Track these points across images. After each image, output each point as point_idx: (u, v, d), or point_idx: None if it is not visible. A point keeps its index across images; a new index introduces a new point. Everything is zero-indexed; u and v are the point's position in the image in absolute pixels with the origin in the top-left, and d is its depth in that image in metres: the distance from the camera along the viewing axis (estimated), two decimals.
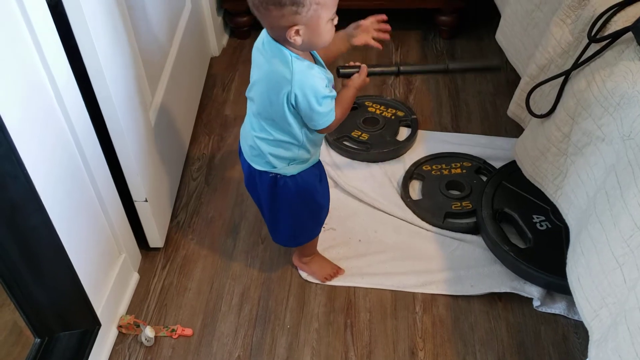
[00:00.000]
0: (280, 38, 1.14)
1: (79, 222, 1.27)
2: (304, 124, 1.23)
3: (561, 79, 1.27)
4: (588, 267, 1.08)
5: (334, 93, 1.22)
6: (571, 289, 1.13)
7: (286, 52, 1.15)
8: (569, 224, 1.23)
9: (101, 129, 1.35)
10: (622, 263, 0.99)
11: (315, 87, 1.16)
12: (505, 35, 1.70)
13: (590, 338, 1.06)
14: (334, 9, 1.13)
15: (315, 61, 1.24)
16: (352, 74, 1.29)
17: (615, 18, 1.20)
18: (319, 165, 1.39)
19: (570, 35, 1.31)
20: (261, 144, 1.26)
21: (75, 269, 1.20)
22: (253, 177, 1.35)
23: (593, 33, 1.22)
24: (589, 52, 1.22)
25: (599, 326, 1.04)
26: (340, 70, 1.31)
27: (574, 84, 1.22)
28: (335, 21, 1.15)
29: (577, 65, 1.23)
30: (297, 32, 1.11)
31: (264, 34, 1.20)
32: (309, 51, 1.21)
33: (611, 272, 1.01)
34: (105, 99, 1.30)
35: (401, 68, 1.43)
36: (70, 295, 1.23)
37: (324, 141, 1.75)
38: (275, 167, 1.29)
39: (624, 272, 0.98)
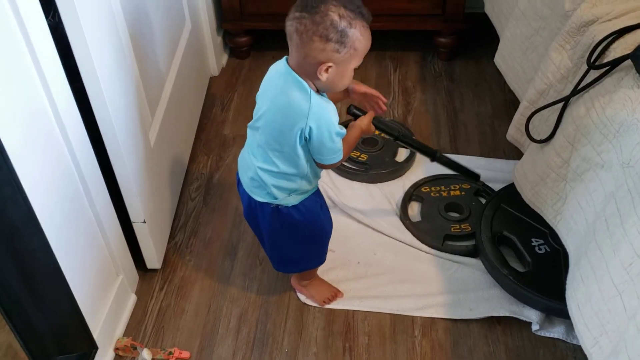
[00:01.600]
0: (307, 71, 1.16)
1: (77, 245, 1.27)
2: (310, 157, 1.24)
3: (560, 104, 1.27)
4: (588, 294, 1.07)
5: (344, 131, 1.24)
6: (571, 315, 1.13)
7: (305, 85, 1.16)
8: (568, 250, 1.23)
9: (100, 149, 1.35)
10: (622, 291, 0.99)
11: (331, 121, 1.19)
12: (504, 59, 1.71)
13: None
14: (361, 61, 1.18)
15: None
16: (360, 115, 1.36)
17: (614, 45, 1.21)
18: (318, 193, 1.39)
19: (570, 61, 1.32)
20: (264, 175, 1.26)
21: (73, 293, 1.19)
22: (253, 209, 1.35)
23: (592, 60, 1.23)
24: (588, 79, 1.23)
25: (599, 353, 1.03)
26: (353, 109, 1.38)
27: (573, 110, 1.23)
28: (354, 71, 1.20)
29: (576, 91, 1.23)
30: (327, 69, 1.14)
31: (280, 65, 1.20)
32: (322, 91, 1.23)
33: (611, 300, 1.01)
34: (105, 120, 1.30)
35: (400, 138, 1.53)
36: (68, 319, 1.22)
37: None
38: (276, 199, 1.29)
39: (623, 300, 0.98)
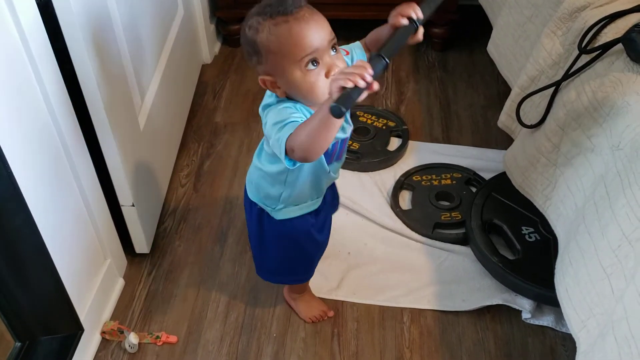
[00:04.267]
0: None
1: (64, 225, 1.26)
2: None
3: (551, 89, 1.27)
4: (576, 278, 1.07)
5: (298, 120, 1.02)
6: (559, 299, 1.13)
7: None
8: (557, 235, 1.22)
9: (89, 131, 1.34)
10: (610, 273, 0.99)
11: (279, 111, 1.04)
12: (497, 47, 1.70)
13: (577, 349, 1.05)
14: (301, 55, 0.98)
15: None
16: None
17: (605, 30, 1.21)
18: (317, 214, 1.27)
19: (561, 47, 1.32)
20: (254, 171, 1.21)
21: (58, 273, 1.18)
22: (247, 204, 1.29)
23: (584, 44, 1.22)
24: (579, 64, 1.23)
25: (587, 337, 1.03)
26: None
27: (564, 94, 1.22)
28: (332, 67, 1.00)
29: (567, 76, 1.23)
30: (271, 83, 1.03)
31: None
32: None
33: (599, 283, 1.00)
34: (94, 101, 1.29)
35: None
36: (53, 299, 1.21)
37: None
38: (264, 204, 1.23)
39: (611, 283, 0.98)
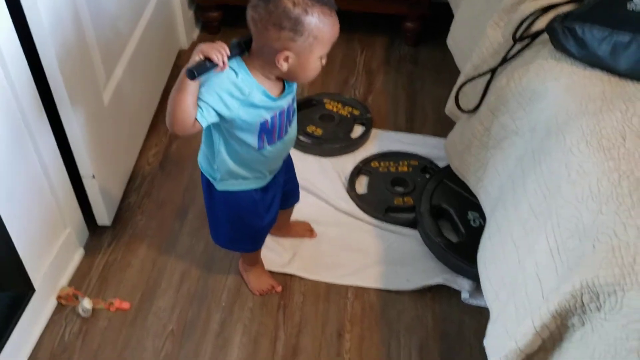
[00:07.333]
0: (266, 58, 1.12)
1: (18, 189, 1.31)
2: (220, 130, 1.20)
3: (488, 76, 1.33)
4: (492, 251, 1.13)
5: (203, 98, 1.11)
6: (479, 273, 1.19)
7: (238, 63, 1.13)
8: (486, 214, 1.29)
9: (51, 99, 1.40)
10: (519, 245, 1.05)
11: (213, 81, 1.11)
12: (455, 40, 1.77)
13: (490, 318, 1.12)
14: (328, 49, 1.13)
15: (284, 88, 1.20)
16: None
17: (539, 21, 1.27)
18: (264, 192, 1.34)
19: (502, 37, 1.38)
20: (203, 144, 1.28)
21: (8, 231, 1.24)
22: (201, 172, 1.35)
23: (518, 34, 1.28)
24: (513, 52, 1.29)
25: (497, 306, 1.09)
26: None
27: (497, 81, 1.29)
28: (324, 61, 1.15)
29: (501, 63, 1.29)
30: (286, 58, 1.10)
31: None
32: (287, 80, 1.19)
33: (509, 254, 1.07)
34: (52, 73, 1.34)
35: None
36: (2, 256, 1.27)
37: None
38: (208, 173, 1.29)
39: (519, 254, 1.04)
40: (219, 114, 1.13)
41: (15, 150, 1.29)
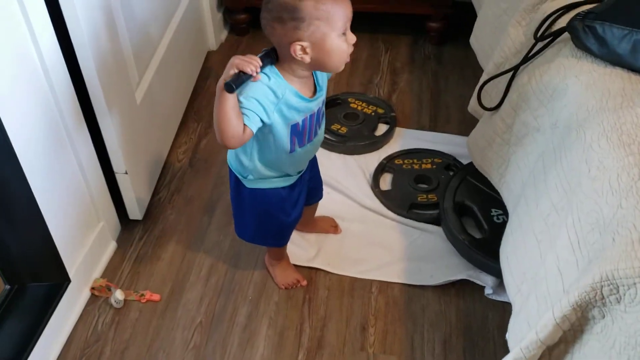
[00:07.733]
0: (285, 57, 1.15)
1: (57, 184, 1.37)
2: (255, 136, 1.21)
3: (510, 74, 1.35)
4: (514, 246, 1.16)
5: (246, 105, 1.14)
6: (501, 268, 1.21)
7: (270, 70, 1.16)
8: (508, 210, 1.31)
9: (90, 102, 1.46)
10: (540, 240, 1.07)
11: (248, 89, 1.14)
12: (477, 39, 1.79)
13: (512, 312, 1.14)
14: (342, 25, 1.11)
15: (315, 85, 1.23)
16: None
17: (560, 20, 1.29)
18: (291, 189, 1.37)
19: (523, 36, 1.40)
20: None
21: (47, 224, 1.30)
22: (230, 169, 1.38)
23: (539, 33, 1.30)
24: (535, 51, 1.31)
25: (520, 300, 1.12)
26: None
27: (519, 79, 1.31)
28: (352, 39, 1.14)
29: (523, 62, 1.31)
30: (303, 49, 1.11)
31: None
32: (311, 72, 1.21)
33: (531, 249, 1.09)
34: (89, 75, 1.40)
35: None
36: (41, 248, 1.33)
37: None
38: (238, 171, 1.33)
39: (540, 248, 1.06)
40: (261, 120, 1.17)
41: (54, 151, 1.35)
